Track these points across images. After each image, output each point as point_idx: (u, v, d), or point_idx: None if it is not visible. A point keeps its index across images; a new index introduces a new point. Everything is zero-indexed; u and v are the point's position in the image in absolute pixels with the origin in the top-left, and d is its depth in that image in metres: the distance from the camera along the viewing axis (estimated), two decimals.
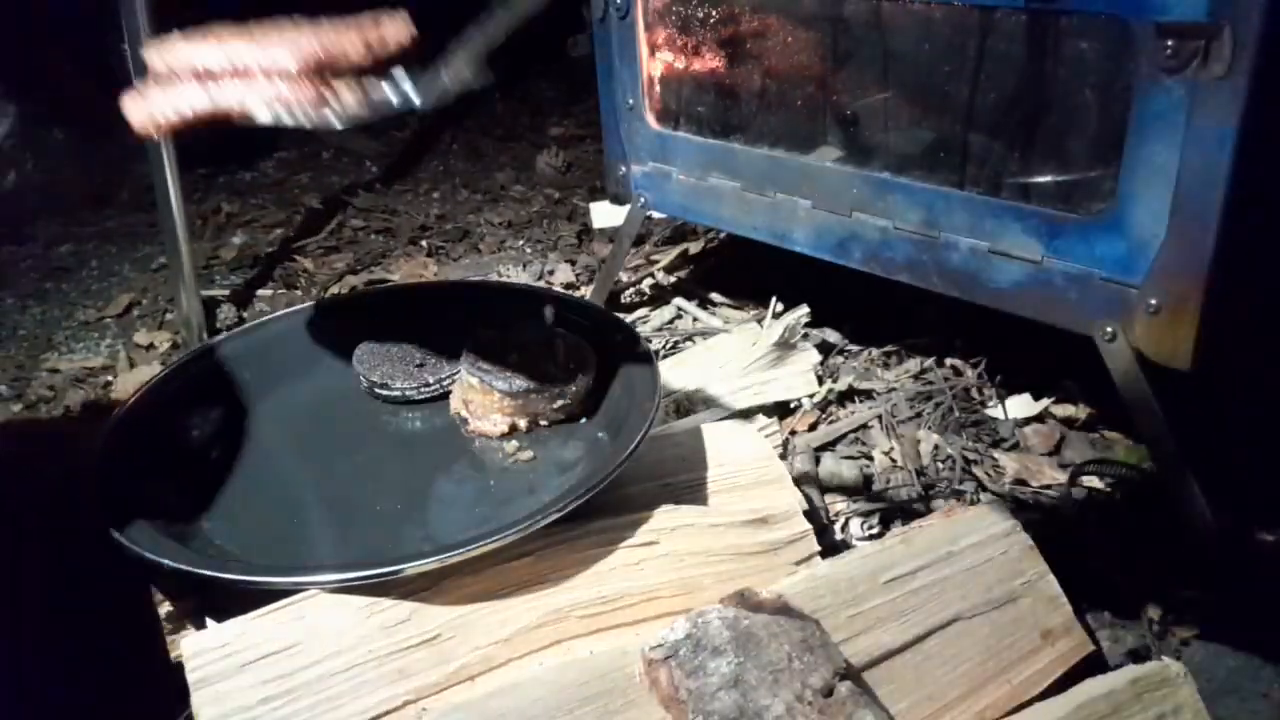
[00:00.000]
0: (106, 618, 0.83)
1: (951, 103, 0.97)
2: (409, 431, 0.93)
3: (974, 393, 1.17)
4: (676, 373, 1.19)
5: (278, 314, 1.08)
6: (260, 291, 1.61)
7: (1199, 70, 0.77)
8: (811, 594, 0.73)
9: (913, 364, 1.24)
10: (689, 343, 1.33)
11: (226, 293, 1.57)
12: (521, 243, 1.76)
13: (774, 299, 1.34)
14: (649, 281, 1.54)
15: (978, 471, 1.05)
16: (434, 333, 1.00)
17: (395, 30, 0.67)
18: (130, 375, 1.34)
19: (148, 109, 0.65)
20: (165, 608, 0.74)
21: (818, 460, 1.07)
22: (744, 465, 0.88)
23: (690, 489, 0.86)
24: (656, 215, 1.35)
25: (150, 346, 1.44)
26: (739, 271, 1.51)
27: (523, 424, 0.90)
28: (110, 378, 1.35)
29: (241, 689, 0.65)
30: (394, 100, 0.67)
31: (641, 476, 0.86)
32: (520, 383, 0.88)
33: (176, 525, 0.76)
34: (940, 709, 0.69)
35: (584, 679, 0.67)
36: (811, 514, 0.88)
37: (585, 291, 1.51)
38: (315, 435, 0.92)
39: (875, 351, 1.28)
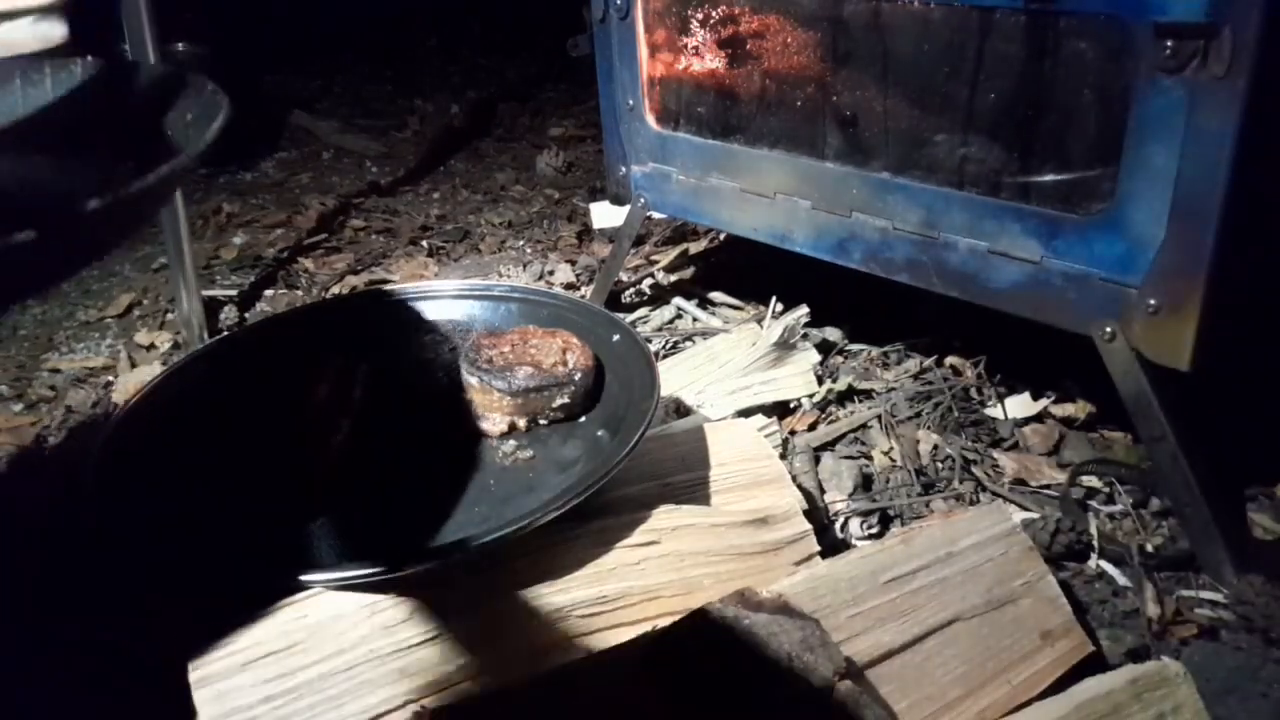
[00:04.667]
0: (106, 619, 0.83)
1: (951, 103, 0.97)
2: (410, 431, 0.92)
3: (973, 392, 1.17)
4: (676, 373, 1.19)
5: (278, 314, 1.08)
6: (261, 292, 1.61)
7: (1198, 70, 0.77)
8: (812, 594, 0.73)
9: (912, 364, 1.24)
10: (689, 343, 1.33)
11: (228, 293, 1.58)
12: (522, 243, 1.77)
13: (774, 299, 1.34)
14: (649, 281, 1.54)
15: (977, 471, 1.05)
16: (435, 334, 1.00)
17: None
18: (131, 375, 1.34)
19: None
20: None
21: (817, 460, 1.07)
22: (744, 465, 0.89)
23: (690, 489, 0.86)
24: (656, 215, 1.35)
25: (151, 346, 1.44)
26: (739, 271, 1.51)
27: (522, 423, 0.90)
28: (111, 378, 1.35)
29: (242, 688, 0.65)
30: None
31: (641, 476, 0.86)
32: (519, 382, 0.88)
33: (176, 525, 0.76)
34: (940, 709, 0.70)
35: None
36: (811, 514, 0.88)
37: (585, 291, 1.52)
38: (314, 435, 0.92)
39: (875, 351, 1.28)
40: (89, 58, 0.79)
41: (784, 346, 1.20)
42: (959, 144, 0.98)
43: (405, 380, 0.97)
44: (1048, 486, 1.02)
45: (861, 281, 1.12)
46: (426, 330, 1.04)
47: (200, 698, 0.65)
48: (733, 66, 1.18)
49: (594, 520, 0.78)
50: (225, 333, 1.42)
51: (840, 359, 1.27)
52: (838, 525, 0.98)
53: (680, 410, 1.11)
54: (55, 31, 0.74)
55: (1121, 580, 0.90)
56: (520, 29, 2.99)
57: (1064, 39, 0.87)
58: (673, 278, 1.55)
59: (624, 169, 1.31)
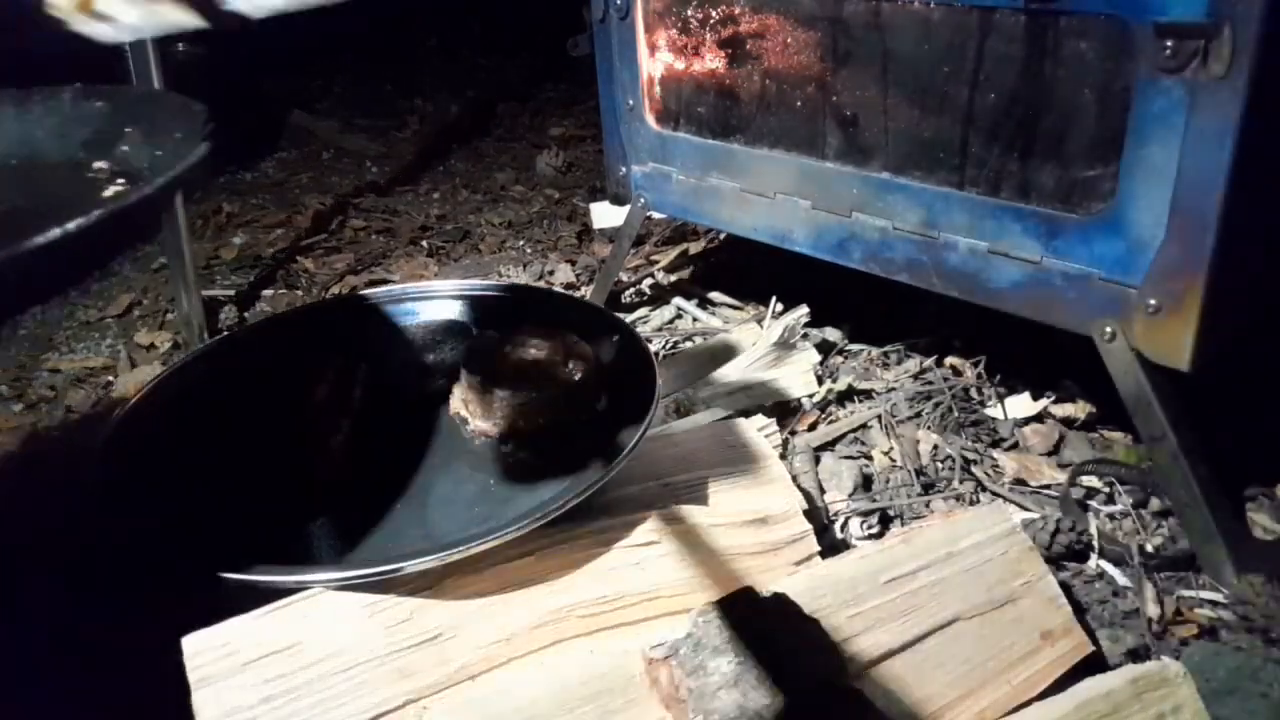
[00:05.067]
0: (106, 618, 0.83)
1: (951, 103, 0.97)
2: (410, 431, 0.93)
3: (973, 392, 1.17)
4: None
5: (278, 314, 1.08)
6: (261, 291, 1.61)
7: (1198, 70, 0.77)
8: (812, 594, 0.73)
9: (912, 364, 1.24)
10: (689, 343, 1.33)
11: (227, 293, 1.58)
12: (522, 243, 1.77)
13: (774, 299, 1.34)
14: (649, 281, 1.54)
15: (977, 471, 1.05)
16: (435, 334, 1.01)
17: None
18: (131, 375, 1.34)
19: None
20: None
21: (817, 460, 1.07)
22: (744, 465, 0.89)
23: (690, 489, 0.86)
24: (656, 215, 1.35)
25: (151, 346, 1.44)
26: (739, 271, 1.51)
27: (522, 423, 0.90)
28: (111, 378, 1.35)
29: (242, 688, 0.65)
30: None
31: (641, 476, 0.86)
32: (520, 383, 0.88)
33: (176, 524, 0.76)
34: (940, 709, 0.70)
35: (585, 678, 0.67)
36: (811, 514, 0.88)
37: (585, 291, 1.52)
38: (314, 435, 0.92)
39: (875, 351, 1.28)
40: (78, 85, 0.79)
41: (784, 346, 1.20)
42: (959, 144, 0.98)
43: (405, 380, 0.97)
44: (1048, 486, 1.02)
45: (861, 281, 1.12)
46: (427, 330, 1.04)
47: (199, 698, 0.64)
48: (733, 66, 1.18)
49: (594, 520, 0.78)
50: (225, 333, 1.42)
51: (840, 359, 1.27)
52: (838, 525, 0.98)
53: (680, 410, 1.11)
54: None
55: (1121, 580, 0.90)
56: (520, 29, 2.99)
57: (1064, 39, 0.87)
58: (673, 278, 1.55)
59: (624, 169, 1.31)
